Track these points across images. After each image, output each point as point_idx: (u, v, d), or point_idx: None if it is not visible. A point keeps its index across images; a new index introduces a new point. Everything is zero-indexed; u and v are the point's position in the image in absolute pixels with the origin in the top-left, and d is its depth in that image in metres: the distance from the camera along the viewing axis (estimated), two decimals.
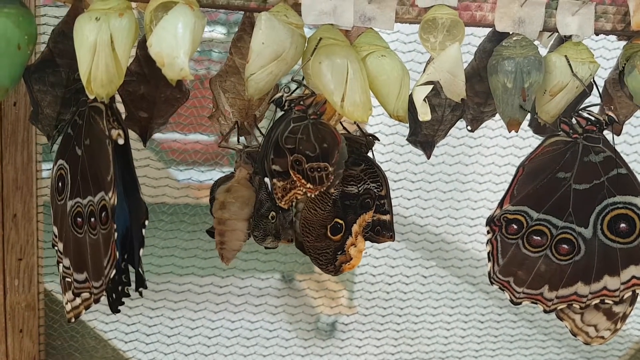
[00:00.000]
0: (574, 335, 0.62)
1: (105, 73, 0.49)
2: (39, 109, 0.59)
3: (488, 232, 0.61)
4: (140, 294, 0.57)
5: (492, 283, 0.61)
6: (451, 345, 1.33)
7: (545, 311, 0.60)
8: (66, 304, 0.56)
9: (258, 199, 0.61)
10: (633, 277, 0.58)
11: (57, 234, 0.56)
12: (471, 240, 1.33)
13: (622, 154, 0.60)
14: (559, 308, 0.60)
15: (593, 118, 0.59)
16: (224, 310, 1.19)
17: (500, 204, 0.60)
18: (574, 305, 0.60)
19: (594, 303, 0.59)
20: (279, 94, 0.58)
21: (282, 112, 0.58)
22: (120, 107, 0.59)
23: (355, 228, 0.62)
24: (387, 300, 1.36)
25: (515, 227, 0.59)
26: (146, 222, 0.57)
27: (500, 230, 0.60)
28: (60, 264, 0.56)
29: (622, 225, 0.58)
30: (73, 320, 0.56)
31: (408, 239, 1.39)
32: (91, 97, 0.50)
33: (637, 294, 0.59)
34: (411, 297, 1.37)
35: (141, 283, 0.58)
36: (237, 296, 1.21)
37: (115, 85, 0.50)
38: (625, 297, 0.59)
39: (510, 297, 0.60)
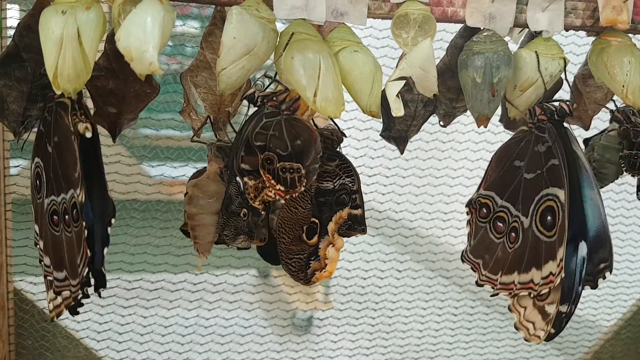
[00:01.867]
0: (517, 329, 0.62)
1: (72, 68, 0.48)
2: (4, 105, 0.57)
3: (467, 214, 0.62)
4: (99, 294, 0.56)
5: (463, 261, 0.62)
6: (425, 339, 1.34)
7: (491, 295, 0.61)
8: (49, 302, 0.56)
9: (227, 195, 0.59)
10: (550, 273, 0.58)
11: (37, 232, 0.56)
12: (445, 235, 1.34)
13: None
14: (500, 294, 0.61)
15: (545, 108, 0.59)
16: (199, 307, 1.19)
17: (478, 188, 0.62)
18: (510, 293, 0.60)
19: (521, 294, 0.60)
20: (252, 90, 0.56)
21: (256, 109, 0.57)
22: (89, 103, 0.58)
23: (331, 226, 0.61)
24: (362, 295, 1.36)
25: (485, 211, 0.61)
26: (112, 221, 0.56)
27: (476, 213, 0.61)
28: (42, 262, 0.56)
29: (549, 218, 0.58)
30: (55, 319, 0.56)
31: (383, 234, 1.40)
32: (58, 92, 0.49)
33: (549, 292, 0.59)
34: (386, 291, 1.38)
35: (103, 283, 0.57)
36: (212, 293, 1.20)
37: (82, 80, 0.49)
38: (542, 292, 0.59)
39: (477, 279, 0.61)
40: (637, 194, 0.67)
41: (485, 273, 0.61)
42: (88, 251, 0.53)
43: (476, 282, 0.62)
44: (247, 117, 0.57)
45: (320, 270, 0.61)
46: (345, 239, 0.64)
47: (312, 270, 0.60)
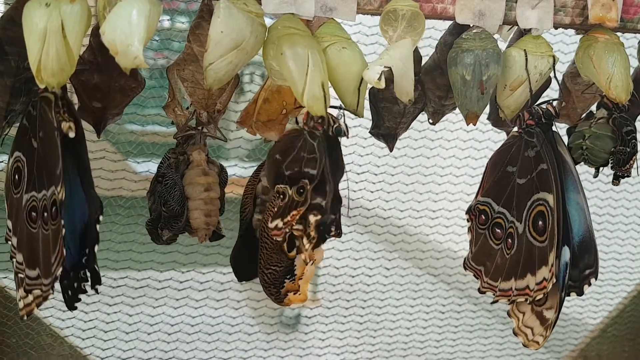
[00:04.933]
0: (515, 335, 0.62)
1: (56, 61, 0.47)
2: None
3: (467, 221, 0.62)
4: (96, 291, 0.56)
5: (465, 269, 0.62)
6: (413, 336, 1.34)
7: (492, 302, 0.61)
8: (19, 300, 0.55)
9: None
10: (543, 278, 0.58)
11: (11, 228, 0.55)
12: (433, 232, 1.35)
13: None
14: (500, 301, 0.61)
15: (534, 112, 0.59)
16: (185, 305, 1.18)
17: (476, 194, 0.62)
18: (508, 300, 0.60)
19: (518, 300, 0.59)
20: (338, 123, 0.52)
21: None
22: (73, 98, 0.57)
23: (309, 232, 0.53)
24: (351, 292, 1.36)
25: (483, 217, 0.61)
26: (100, 218, 0.55)
27: (475, 219, 0.61)
28: (14, 259, 0.55)
29: (540, 222, 0.58)
30: (26, 317, 0.55)
31: (371, 231, 1.40)
32: (41, 86, 0.48)
33: (546, 297, 0.59)
34: (374, 289, 1.38)
35: (97, 280, 0.56)
36: (198, 291, 1.19)
37: (66, 74, 0.48)
38: (537, 298, 0.59)
39: (479, 286, 0.61)
40: (613, 182, 0.66)
41: (487, 280, 0.60)
42: (64, 250, 0.52)
43: (478, 289, 0.61)
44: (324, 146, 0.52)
45: (295, 293, 0.55)
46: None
47: (285, 290, 0.55)
